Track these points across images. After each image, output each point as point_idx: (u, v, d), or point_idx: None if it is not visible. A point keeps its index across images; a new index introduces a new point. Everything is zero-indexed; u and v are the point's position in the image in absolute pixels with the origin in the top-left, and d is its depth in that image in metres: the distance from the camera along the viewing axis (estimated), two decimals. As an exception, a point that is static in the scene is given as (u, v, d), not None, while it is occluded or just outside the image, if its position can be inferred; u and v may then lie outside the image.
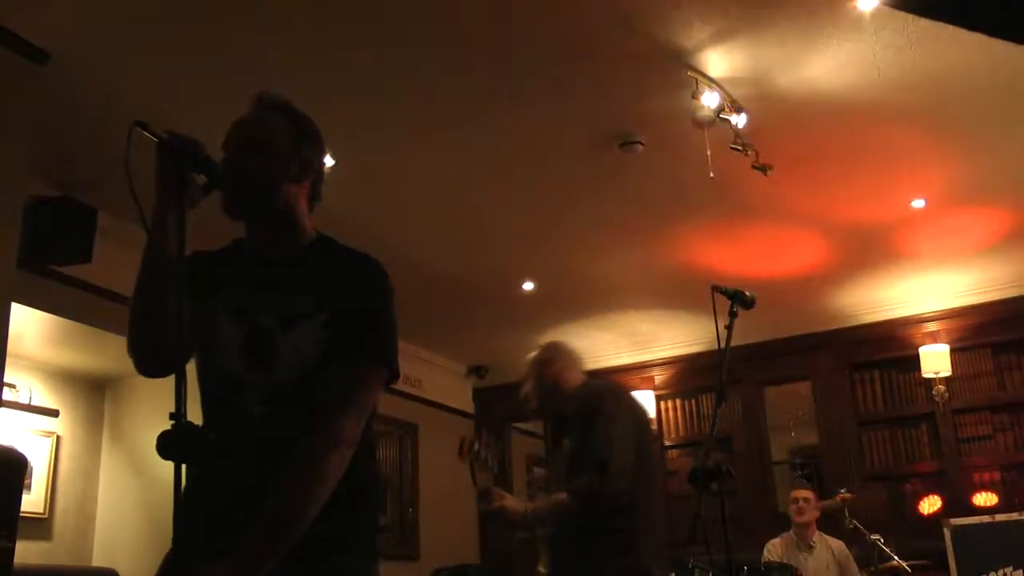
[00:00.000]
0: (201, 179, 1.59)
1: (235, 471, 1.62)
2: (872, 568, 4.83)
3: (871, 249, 5.55)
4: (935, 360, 6.11)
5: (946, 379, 6.17)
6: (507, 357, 7.22)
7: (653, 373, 7.26)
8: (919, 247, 5.56)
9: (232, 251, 1.81)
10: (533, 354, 3.21)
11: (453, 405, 7.69)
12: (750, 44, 3.52)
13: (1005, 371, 6.19)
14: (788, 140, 4.16)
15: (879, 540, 4.80)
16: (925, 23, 3.23)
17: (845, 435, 6.53)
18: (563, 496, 2.86)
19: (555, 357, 3.14)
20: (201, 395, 1.72)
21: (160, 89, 3.59)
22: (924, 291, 6.26)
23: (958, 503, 5.87)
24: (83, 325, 4.78)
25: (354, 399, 1.66)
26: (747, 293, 2.95)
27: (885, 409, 6.51)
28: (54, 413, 5.82)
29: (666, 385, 7.23)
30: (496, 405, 7.78)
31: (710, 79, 3.69)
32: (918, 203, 4.95)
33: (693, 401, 7.13)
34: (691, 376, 7.03)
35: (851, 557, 5.02)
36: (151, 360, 1.67)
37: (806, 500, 5.14)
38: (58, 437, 5.84)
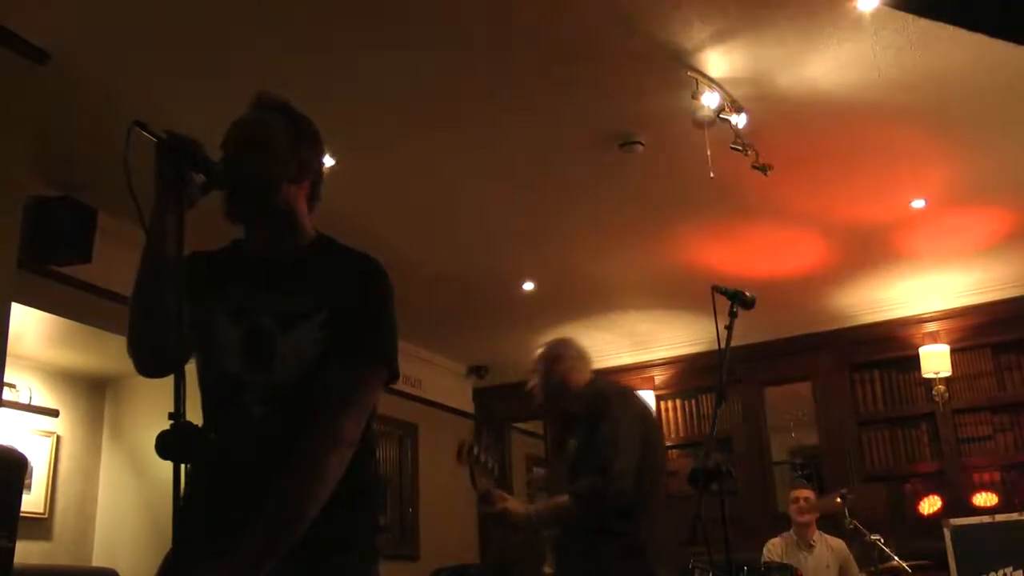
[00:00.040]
0: (200, 179, 1.58)
1: (235, 471, 1.62)
2: (872, 568, 4.83)
3: (871, 249, 5.55)
4: (935, 360, 6.12)
5: (946, 379, 6.18)
6: (507, 357, 7.24)
7: (653, 373, 7.26)
8: (919, 247, 5.56)
9: (231, 251, 1.81)
10: (542, 349, 3.17)
11: (453, 405, 7.69)
12: (750, 44, 3.52)
13: (1005, 371, 6.19)
14: (788, 140, 4.16)
15: (879, 540, 4.80)
16: (925, 23, 3.23)
17: (845, 435, 6.53)
18: (565, 498, 2.85)
19: (564, 355, 3.11)
20: (201, 395, 1.72)
21: (160, 89, 3.59)
22: (924, 291, 6.26)
23: (958, 503, 5.87)
24: (83, 325, 4.79)
25: (354, 399, 1.66)
26: (747, 293, 2.95)
27: (885, 409, 6.51)
28: (54, 413, 5.82)
29: (666, 385, 7.23)
30: (496, 405, 7.79)
31: (710, 79, 3.69)
32: (918, 203, 4.95)
33: (693, 401, 7.13)
34: (691, 376, 7.03)
35: (851, 557, 5.02)
36: (150, 360, 1.67)
37: (806, 500, 5.14)
38: (58, 437, 5.84)
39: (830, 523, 5.15)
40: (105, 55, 3.44)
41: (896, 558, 4.78)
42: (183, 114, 3.24)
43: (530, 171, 4.46)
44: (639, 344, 7.20)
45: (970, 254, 5.71)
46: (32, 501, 5.50)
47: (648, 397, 7.02)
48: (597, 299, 6.23)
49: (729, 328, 2.91)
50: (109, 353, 5.32)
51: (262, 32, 3.34)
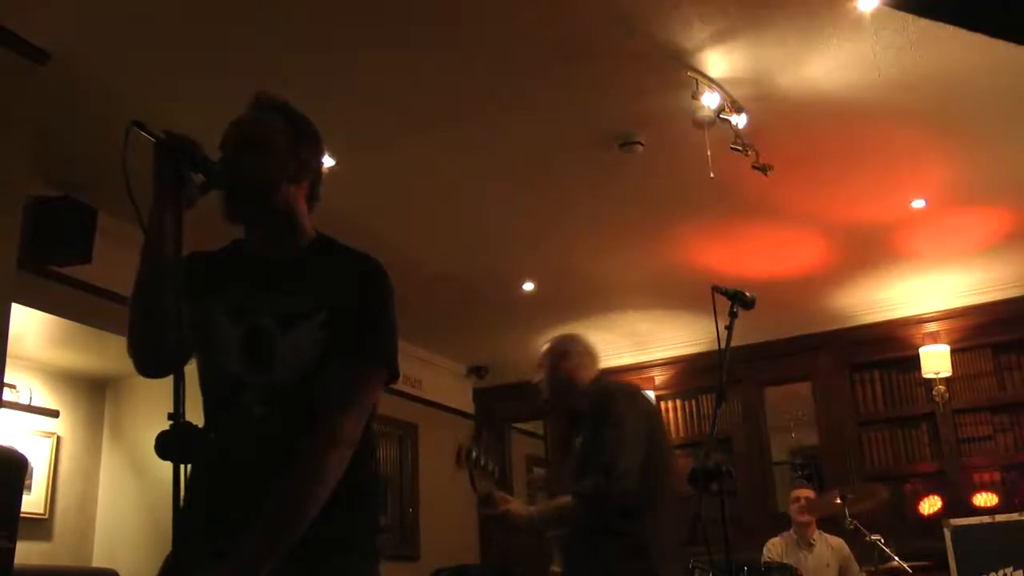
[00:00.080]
0: (199, 179, 1.58)
1: (235, 471, 1.62)
2: (872, 568, 4.82)
3: (871, 249, 5.55)
4: (935, 360, 6.12)
5: (946, 379, 6.18)
6: (507, 357, 7.24)
7: (653, 373, 7.26)
8: (919, 247, 5.56)
9: (231, 252, 1.81)
10: (548, 345, 3.13)
11: (453, 405, 7.69)
12: (750, 44, 3.52)
13: (1005, 371, 6.19)
14: (788, 140, 4.16)
15: (879, 540, 4.80)
16: (925, 23, 3.22)
17: (845, 435, 6.53)
18: (568, 499, 2.83)
19: (571, 351, 3.08)
20: (202, 395, 1.72)
21: (160, 89, 3.59)
22: (924, 291, 6.26)
23: (958, 503, 5.87)
24: (83, 325, 4.79)
25: (354, 399, 1.66)
26: (747, 293, 2.94)
27: (885, 409, 6.51)
28: (54, 414, 5.82)
29: (666, 385, 7.23)
30: (496, 405, 7.79)
31: (710, 79, 3.69)
32: (918, 203, 4.95)
33: (693, 401, 7.13)
34: (691, 376, 7.03)
35: (852, 556, 5.02)
36: (150, 360, 1.67)
37: (807, 499, 5.14)
38: (58, 438, 5.84)
39: (830, 523, 5.15)
40: (105, 55, 3.44)
41: (896, 558, 4.78)
42: (183, 114, 3.24)
43: (530, 171, 4.46)
44: (639, 344, 7.19)
45: (970, 254, 5.71)
46: (32, 502, 5.50)
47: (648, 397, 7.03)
48: (597, 299, 6.23)
49: (729, 328, 2.90)
50: (109, 353, 5.32)
51: (262, 32, 3.34)
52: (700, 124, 3.88)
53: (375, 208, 4.68)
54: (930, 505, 6.03)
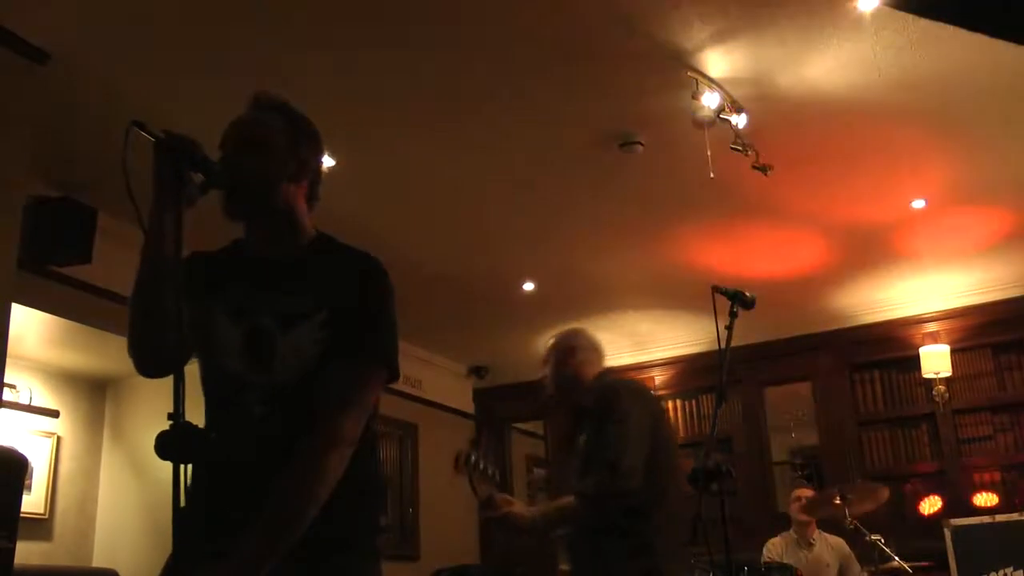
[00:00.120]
0: (199, 178, 1.58)
1: (235, 471, 1.62)
2: (872, 568, 4.82)
3: (871, 249, 5.55)
4: (935, 360, 6.11)
5: (946, 379, 6.17)
6: (507, 357, 7.25)
7: (653, 373, 7.25)
8: (919, 247, 5.56)
9: (231, 251, 1.81)
10: (554, 340, 3.10)
11: (453, 405, 7.69)
12: (750, 44, 3.52)
13: (1005, 371, 6.18)
14: (788, 140, 4.16)
15: (879, 540, 4.79)
16: (925, 23, 3.23)
17: (845, 435, 6.53)
18: (571, 499, 2.81)
19: (578, 347, 3.04)
20: (204, 396, 1.72)
21: (160, 89, 3.59)
22: (924, 291, 6.26)
23: (958, 503, 5.87)
24: (83, 325, 4.79)
25: (354, 399, 1.66)
26: (747, 293, 2.93)
27: (885, 409, 6.50)
28: (54, 414, 5.83)
29: (666, 385, 7.23)
30: (496, 405, 7.79)
31: (710, 79, 3.69)
32: (918, 203, 4.95)
33: (693, 401, 7.13)
34: (691, 376, 7.03)
35: (852, 555, 5.02)
36: (150, 360, 1.67)
37: (808, 499, 5.14)
38: (58, 438, 5.84)
39: (830, 523, 5.15)
40: (105, 55, 3.44)
41: (896, 558, 4.77)
42: (183, 114, 3.24)
43: (530, 171, 4.46)
44: (639, 344, 7.19)
45: (970, 254, 5.71)
46: (32, 502, 5.51)
47: (649, 397, 7.02)
48: (597, 299, 6.23)
49: (729, 328, 2.89)
50: (109, 354, 5.32)
51: (262, 32, 3.34)
52: (700, 124, 3.88)
53: (375, 208, 4.68)
54: (930, 505, 6.03)
